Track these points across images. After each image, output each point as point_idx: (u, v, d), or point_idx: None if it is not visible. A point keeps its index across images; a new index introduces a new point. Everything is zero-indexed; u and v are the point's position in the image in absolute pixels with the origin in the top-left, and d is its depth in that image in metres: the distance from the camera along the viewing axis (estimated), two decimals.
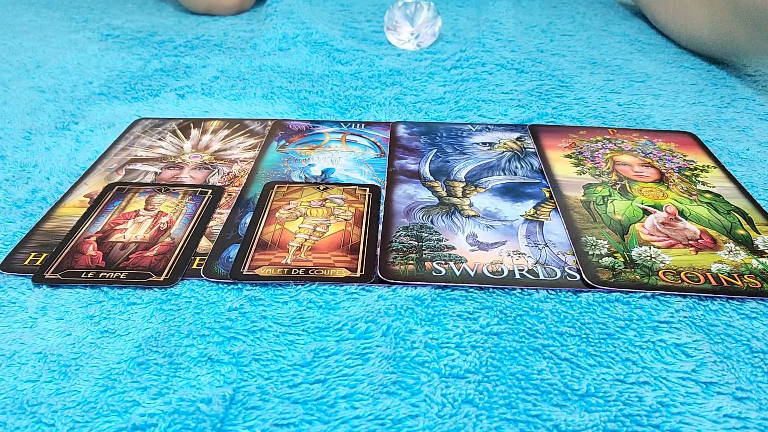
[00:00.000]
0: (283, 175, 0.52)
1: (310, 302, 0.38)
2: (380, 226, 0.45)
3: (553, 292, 0.39)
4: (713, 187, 0.50)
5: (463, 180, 0.51)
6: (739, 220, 0.45)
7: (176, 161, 0.54)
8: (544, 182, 0.51)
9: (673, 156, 0.55)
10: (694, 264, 0.41)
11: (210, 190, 0.49)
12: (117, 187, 0.50)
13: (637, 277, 0.39)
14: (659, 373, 0.33)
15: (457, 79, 0.72)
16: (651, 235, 0.44)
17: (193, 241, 0.43)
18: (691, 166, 0.53)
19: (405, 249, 0.42)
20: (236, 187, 0.50)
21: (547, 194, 0.49)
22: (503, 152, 0.56)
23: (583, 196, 0.48)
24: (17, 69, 0.75)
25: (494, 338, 0.35)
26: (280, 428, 0.30)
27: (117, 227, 0.44)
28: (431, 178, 0.51)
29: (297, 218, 0.46)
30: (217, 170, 0.53)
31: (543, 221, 0.45)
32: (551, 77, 0.72)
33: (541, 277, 0.40)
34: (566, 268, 0.40)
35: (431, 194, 0.49)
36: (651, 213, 0.46)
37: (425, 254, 0.41)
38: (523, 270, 0.40)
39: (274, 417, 0.30)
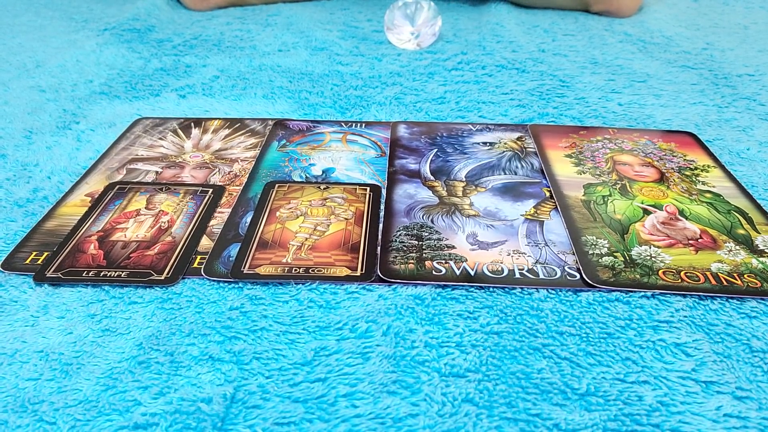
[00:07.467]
0: (284, 175, 0.52)
1: (310, 301, 0.38)
2: (381, 226, 0.45)
3: (553, 292, 0.39)
4: (713, 186, 0.50)
5: (464, 179, 0.51)
6: (739, 220, 0.45)
7: (177, 160, 0.54)
8: (545, 182, 0.51)
9: (673, 156, 0.55)
10: (694, 263, 0.41)
11: (211, 190, 0.49)
12: (118, 186, 0.50)
13: (637, 276, 0.39)
14: (659, 372, 0.33)
15: (458, 80, 0.72)
16: (651, 234, 0.44)
17: (194, 240, 0.43)
18: (691, 166, 0.53)
19: (405, 248, 0.42)
20: (237, 186, 0.50)
21: (548, 194, 0.49)
22: (503, 152, 0.56)
23: (583, 195, 0.48)
24: (17, 69, 0.75)
25: (494, 337, 0.35)
26: (280, 427, 0.30)
27: (118, 226, 0.45)
28: (431, 178, 0.51)
29: (297, 217, 0.46)
30: (217, 169, 0.53)
31: (543, 221, 0.45)
32: (552, 77, 0.72)
33: (541, 276, 0.40)
34: (566, 268, 0.40)
35: (431, 194, 0.49)
36: (651, 212, 0.46)
37: (425, 253, 0.41)
38: (523, 269, 0.40)
39: (275, 416, 0.30)
